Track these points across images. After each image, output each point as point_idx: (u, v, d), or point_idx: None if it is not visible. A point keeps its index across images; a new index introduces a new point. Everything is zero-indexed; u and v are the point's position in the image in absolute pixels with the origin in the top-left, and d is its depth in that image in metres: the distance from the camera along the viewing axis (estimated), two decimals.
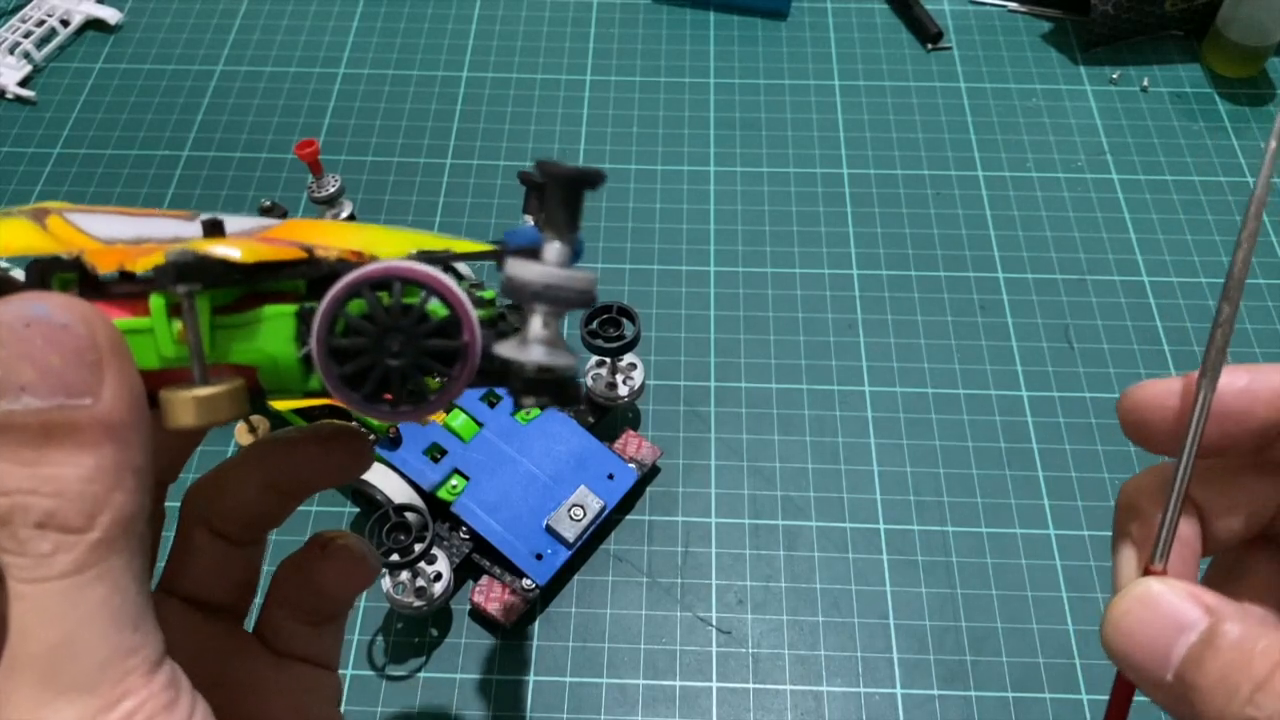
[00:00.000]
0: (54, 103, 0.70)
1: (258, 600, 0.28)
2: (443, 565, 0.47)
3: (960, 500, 0.53)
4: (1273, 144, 0.21)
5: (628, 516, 0.52)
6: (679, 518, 0.52)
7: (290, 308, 0.20)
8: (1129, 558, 0.23)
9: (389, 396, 0.20)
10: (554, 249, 0.19)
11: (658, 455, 0.53)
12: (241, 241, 0.20)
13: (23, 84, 0.71)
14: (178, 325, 0.19)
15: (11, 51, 0.72)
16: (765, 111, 0.71)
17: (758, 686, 0.47)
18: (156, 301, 0.19)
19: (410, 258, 0.21)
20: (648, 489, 0.53)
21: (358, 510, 0.52)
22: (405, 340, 0.19)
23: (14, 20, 0.73)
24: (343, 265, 0.20)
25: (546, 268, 0.19)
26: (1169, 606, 0.21)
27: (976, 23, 0.76)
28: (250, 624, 0.28)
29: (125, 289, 0.20)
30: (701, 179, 0.67)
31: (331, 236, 0.22)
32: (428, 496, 0.49)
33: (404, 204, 0.65)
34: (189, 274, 0.18)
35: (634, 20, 0.77)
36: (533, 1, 0.78)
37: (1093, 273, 0.62)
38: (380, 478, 0.48)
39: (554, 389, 0.20)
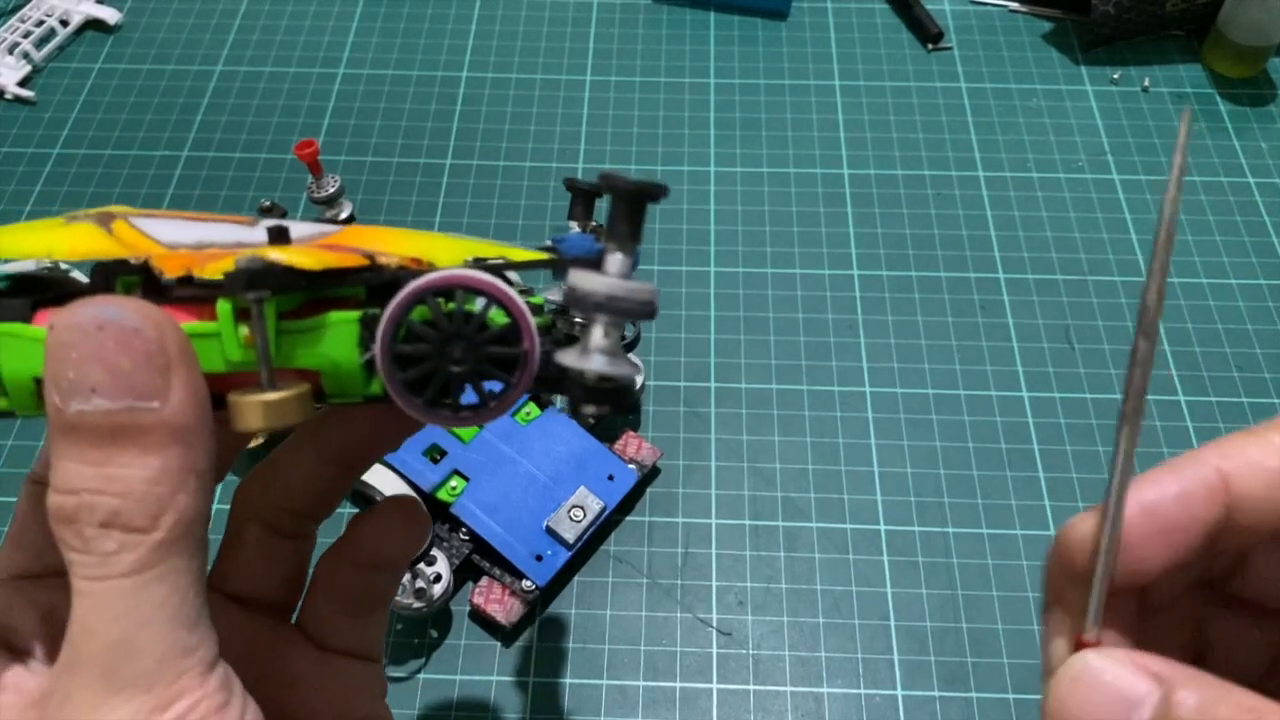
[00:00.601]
0: (53, 103, 0.70)
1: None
2: (442, 566, 0.47)
3: (961, 501, 0.52)
4: (1177, 159, 0.19)
5: (628, 518, 0.52)
6: (679, 519, 0.52)
7: (354, 314, 0.20)
8: (1060, 625, 0.21)
9: (449, 402, 0.20)
10: (616, 260, 0.20)
11: (658, 456, 0.52)
12: (308, 250, 0.20)
13: (22, 84, 0.71)
14: (244, 330, 0.19)
15: (11, 51, 0.72)
16: (765, 112, 0.71)
17: (758, 688, 0.47)
18: (224, 307, 0.20)
19: (466, 265, 0.22)
20: (648, 490, 0.53)
21: (357, 511, 0.52)
22: (467, 347, 0.20)
23: (13, 20, 0.73)
24: (404, 273, 0.20)
25: (609, 279, 0.19)
26: (1114, 682, 0.19)
27: (977, 23, 0.76)
28: (293, 619, 0.28)
29: (188, 293, 0.20)
30: (701, 179, 0.67)
31: (391, 244, 0.22)
32: (427, 497, 0.49)
33: (403, 204, 0.65)
34: (259, 281, 0.19)
35: (634, 20, 0.77)
36: (532, 1, 0.78)
37: (1094, 273, 0.62)
38: (379, 479, 0.48)
39: (613, 397, 0.20)
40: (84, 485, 0.18)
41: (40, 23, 0.73)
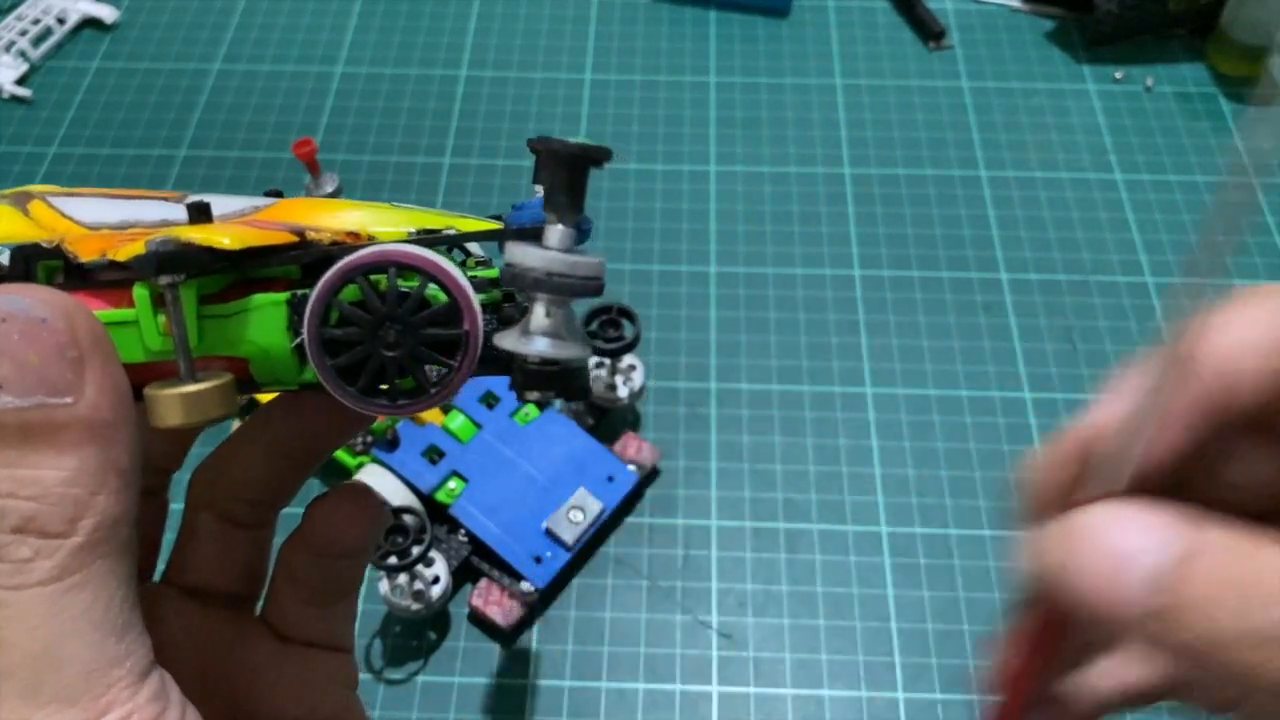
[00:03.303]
0: (50, 101, 0.70)
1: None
2: (441, 568, 0.46)
3: (963, 503, 0.52)
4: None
5: (627, 519, 0.52)
6: (679, 520, 0.52)
7: (282, 296, 0.19)
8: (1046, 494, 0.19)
9: (385, 389, 0.19)
10: (556, 232, 0.18)
11: (658, 457, 0.52)
12: (228, 227, 0.19)
13: (19, 82, 0.70)
14: (163, 318, 0.18)
15: (8, 50, 0.71)
16: (766, 110, 0.70)
17: (759, 691, 0.47)
18: (140, 292, 0.18)
19: (410, 238, 0.20)
20: (648, 491, 0.53)
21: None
22: (402, 330, 0.18)
23: (10, 19, 0.73)
24: (337, 249, 0.19)
25: (548, 252, 0.18)
26: (1126, 525, 0.16)
27: (979, 21, 0.76)
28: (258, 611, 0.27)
29: (113, 277, 0.19)
30: (702, 179, 0.66)
31: (326, 217, 0.21)
32: (426, 499, 0.48)
33: (402, 202, 0.64)
34: (171, 264, 0.18)
35: (634, 18, 0.76)
36: (532, 0, 0.78)
37: (1096, 273, 0.61)
38: (377, 480, 0.48)
39: (558, 382, 0.19)
40: None
41: (37, 21, 0.73)
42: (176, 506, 0.25)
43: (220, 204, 0.21)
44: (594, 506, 0.49)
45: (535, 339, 0.18)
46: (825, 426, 0.55)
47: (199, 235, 0.18)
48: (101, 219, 0.21)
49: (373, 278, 0.18)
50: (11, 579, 0.17)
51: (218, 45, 0.74)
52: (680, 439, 0.54)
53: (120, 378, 0.17)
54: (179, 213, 0.21)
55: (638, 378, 0.52)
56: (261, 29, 0.75)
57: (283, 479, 0.25)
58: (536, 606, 0.49)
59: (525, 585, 0.47)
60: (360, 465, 0.49)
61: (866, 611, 0.49)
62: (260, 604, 0.27)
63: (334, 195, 0.53)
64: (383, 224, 0.21)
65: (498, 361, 0.19)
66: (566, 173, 0.18)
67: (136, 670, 0.18)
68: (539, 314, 0.18)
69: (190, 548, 0.25)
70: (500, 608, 0.47)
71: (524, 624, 0.48)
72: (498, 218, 0.22)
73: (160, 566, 0.26)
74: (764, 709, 0.46)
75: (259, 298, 0.19)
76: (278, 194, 0.24)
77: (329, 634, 0.26)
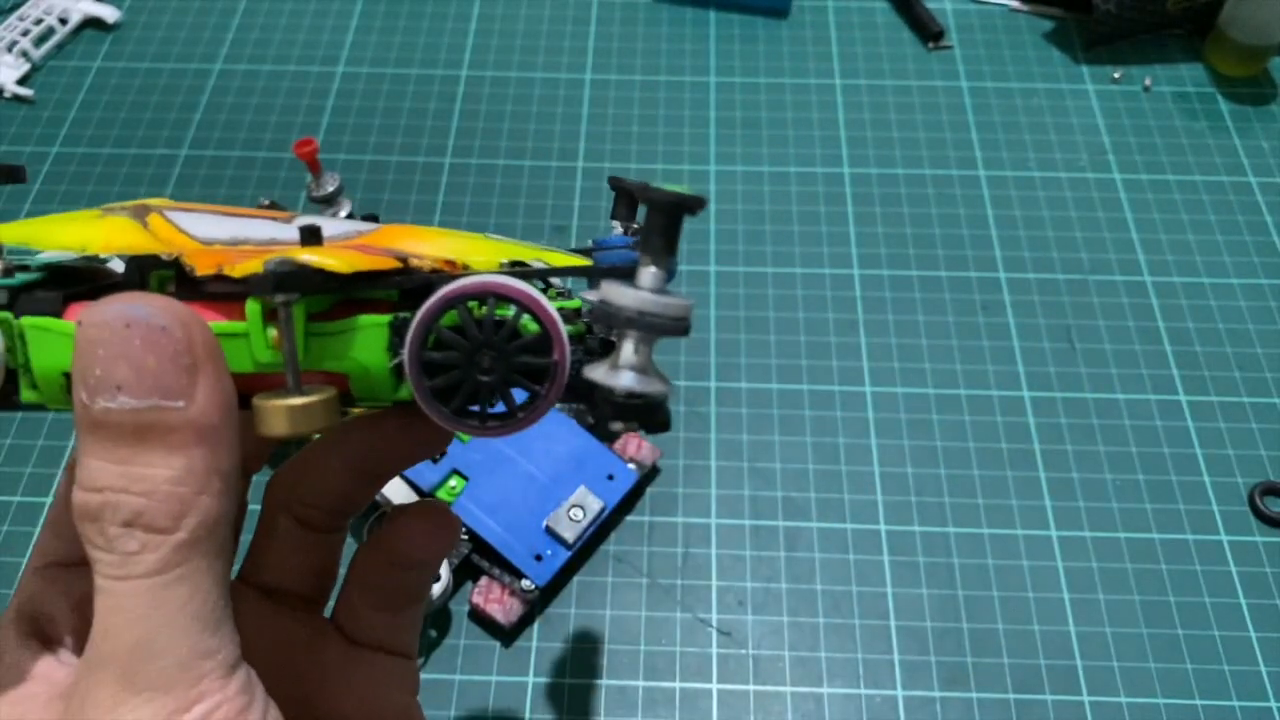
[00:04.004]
0: (52, 101, 0.70)
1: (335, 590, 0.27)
2: (441, 566, 0.47)
3: (961, 501, 0.52)
4: None
5: (627, 517, 0.52)
6: (679, 519, 0.52)
7: (384, 318, 0.20)
8: None
9: (477, 411, 0.20)
10: (650, 274, 0.19)
11: (658, 456, 0.52)
12: (338, 251, 0.20)
13: (21, 82, 0.71)
14: (273, 332, 0.19)
15: (9, 50, 0.71)
16: (766, 111, 0.70)
17: (758, 688, 0.47)
18: (253, 307, 0.19)
19: (502, 268, 0.21)
20: (648, 490, 0.53)
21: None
22: (496, 356, 0.19)
23: (12, 19, 0.73)
24: (437, 276, 0.20)
25: (641, 294, 0.19)
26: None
27: (978, 21, 0.76)
28: (328, 614, 0.28)
29: (221, 290, 0.20)
30: (702, 178, 0.66)
31: (425, 245, 0.22)
32: (427, 497, 0.49)
33: (402, 203, 0.65)
34: (287, 284, 0.19)
35: (634, 19, 0.76)
36: (532, 0, 0.78)
37: (1095, 273, 0.62)
38: (388, 485, 0.48)
39: (641, 414, 0.20)
40: (108, 483, 0.18)
41: (39, 21, 0.73)
42: (254, 507, 0.26)
43: (327, 227, 0.22)
44: (594, 505, 0.49)
45: (623, 373, 0.19)
46: (824, 425, 0.55)
47: (313, 257, 0.19)
48: (214, 235, 0.22)
49: (471, 305, 0.19)
50: (118, 570, 0.18)
51: (219, 45, 0.74)
52: (680, 437, 0.55)
53: (229, 386, 0.19)
54: (287, 232, 0.22)
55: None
56: (263, 29, 0.75)
57: (357, 489, 0.26)
58: (537, 604, 0.49)
59: (526, 583, 0.47)
60: None
61: (865, 609, 0.49)
62: (331, 607, 0.27)
63: (335, 194, 0.53)
64: (477, 254, 0.22)
65: (580, 390, 0.20)
66: (663, 220, 0.19)
67: (228, 663, 0.18)
68: (628, 350, 0.19)
69: (266, 548, 0.26)
70: (501, 605, 0.47)
71: (524, 622, 0.49)
72: (585, 251, 0.23)
73: (236, 566, 0.26)
74: (763, 706, 0.46)
75: (364, 319, 0.20)
76: (374, 219, 0.25)
77: (395, 639, 0.27)
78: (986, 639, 0.48)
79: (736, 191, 0.66)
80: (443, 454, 0.50)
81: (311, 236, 0.20)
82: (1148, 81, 0.72)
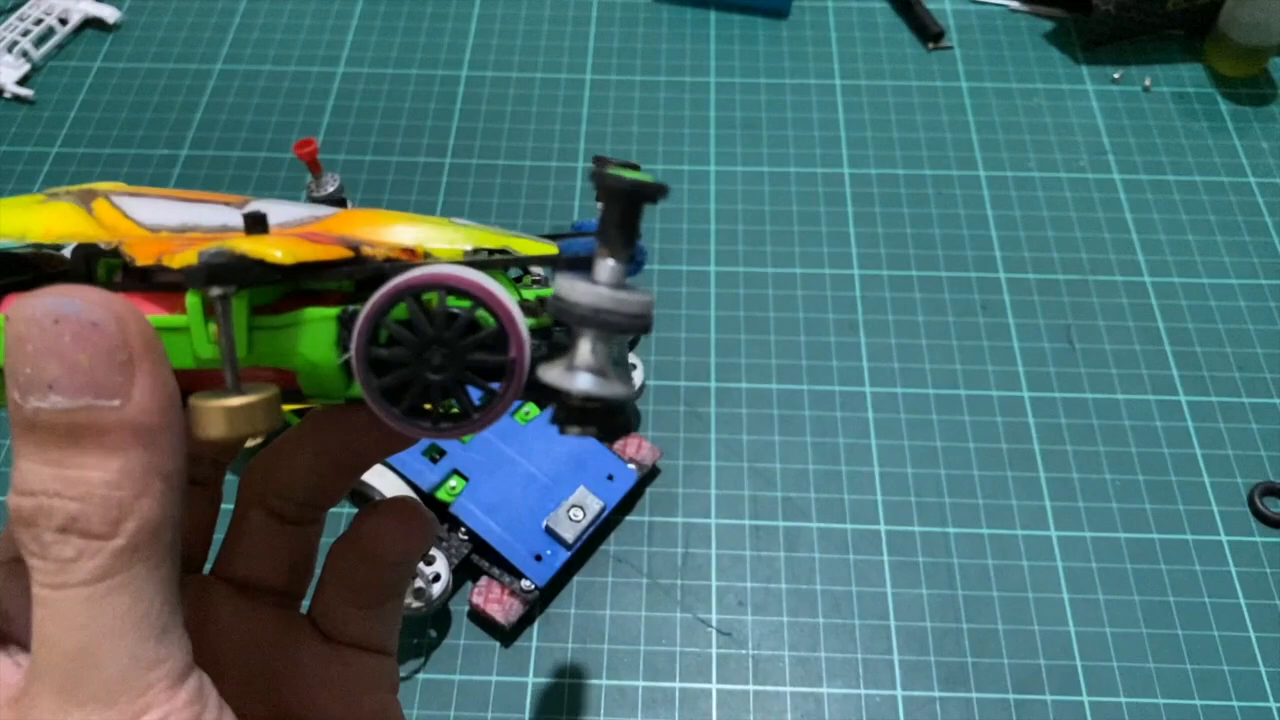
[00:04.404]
0: (52, 101, 0.70)
1: (311, 587, 0.27)
2: (441, 566, 0.47)
3: (961, 501, 0.52)
4: None
5: (627, 517, 0.52)
6: (679, 519, 0.52)
7: (332, 311, 0.19)
8: None
9: (429, 411, 0.19)
10: (606, 267, 0.18)
11: (657, 456, 0.52)
12: (282, 240, 0.18)
13: (21, 82, 0.71)
14: (214, 326, 0.18)
15: (10, 50, 0.71)
16: (766, 111, 0.70)
17: (758, 688, 0.47)
18: (193, 300, 0.18)
19: (466, 257, 0.20)
20: (647, 490, 0.53)
21: (356, 510, 0.51)
22: (448, 353, 0.18)
23: (12, 19, 0.73)
24: (391, 266, 0.19)
25: (597, 288, 0.17)
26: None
27: (978, 22, 0.76)
28: (304, 609, 0.27)
29: (170, 279, 0.19)
30: (701, 179, 0.66)
31: (384, 230, 0.21)
32: (426, 497, 0.49)
33: (403, 203, 0.65)
34: (221, 276, 0.17)
35: (634, 19, 0.76)
36: (532, 0, 0.78)
37: (1095, 273, 0.62)
38: (378, 478, 0.48)
39: (599, 419, 0.18)
40: (42, 487, 0.17)
41: (39, 21, 0.73)
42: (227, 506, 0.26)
43: (280, 212, 0.21)
44: (594, 505, 0.49)
45: (579, 375, 0.18)
46: (824, 425, 0.55)
47: (252, 247, 0.18)
48: (161, 221, 0.21)
49: (424, 298, 0.18)
50: (54, 578, 0.17)
51: (220, 46, 0.74)
52: (680, 437, 0.55)
53: (169, 383, 0.17)
54: (239, 219, 0.21)
55: (638, 377, 0.53)
56: (263, 29, 0.75)
57: (331, 482, 0.25)
58: (536, 604, 0.49)
59: (525, 583, 0.47)
60: None
61: (865, 609, 0.49)
62: (308, 603, 0.27)
63: (335, 195, 0.53)
64: (439, 241, 0.20)
65: (544, 388, 0.18)
66: (619, 208, 0.18)
67: (175, 672, 0.18)
68: (584, 350, 0.18)
69: (240, 542, 0.25)
70: (500, 605, 0.47)
71: (524, 622, 0.49)
72: (556, 237, 0.22)
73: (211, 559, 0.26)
74: (763, 706, 0.46)
75: (310, 312, 0.19)
76: (341, 203, 0.24)
77: (373, 636, 0.26)
78: (986, 639, 0.48)
79: (736, 191, 0.66)
80: (443, 454, 0.50)
81: (256, 224, 0.19)
82: (1147, 82, 0.72)
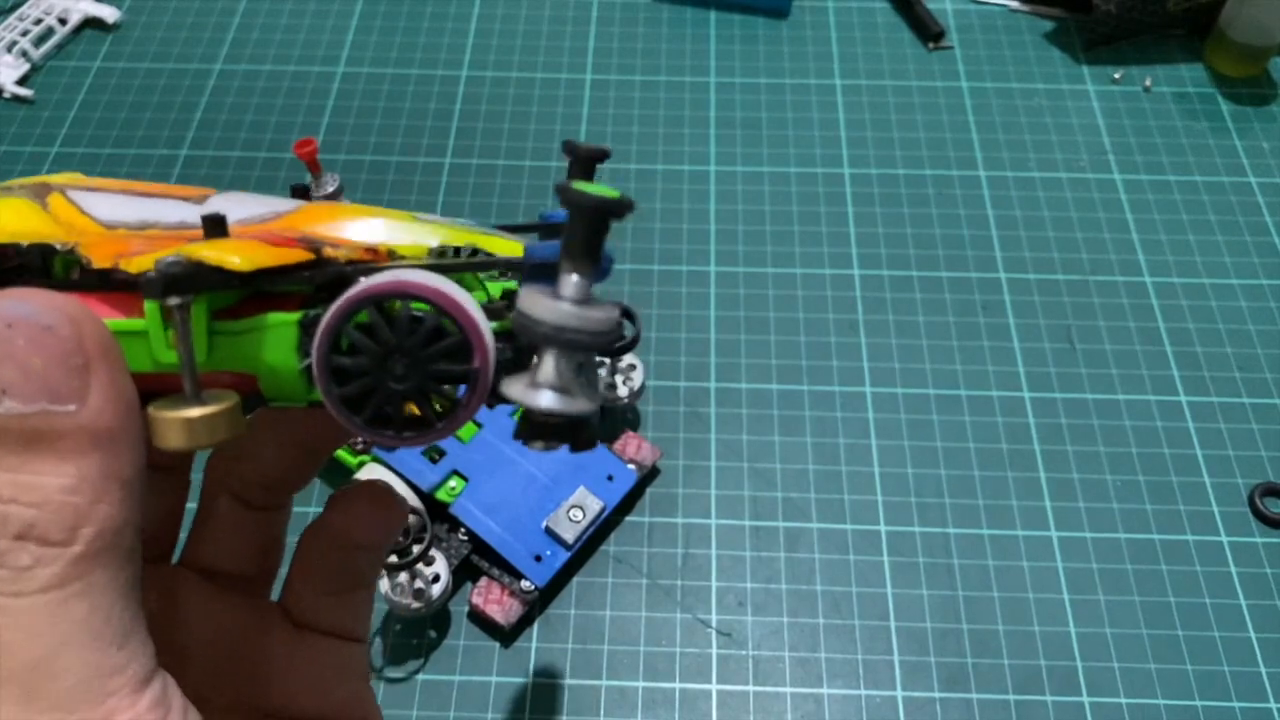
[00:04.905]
0: (52, 101, 0.70)
1: (282, 575, 0.27)
2: (441, 567, 0.47)
3: (962, 502, 0.52)
4: None
5: (627, 518, 0.52)
6: (679, 519, 0.52)
7: (293, 316, 0.18)
8: None
9: (391, 419, 0.18)
10: (570, 283, 0.17)
11: (657, 456, 0.52)
12: (241, 244, 0.18)
13: (20, 82, 0.71)
14: (172, 332, 0.18)
15: (9, 50, 0.71)
16: (766, 111, 0.70)
17: (758, 689, 0.47)
18: (150, 305, 0.18)
19: (430, 255, 0.20)
20: (647, 490, 0.53)
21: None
22: (411, 363, 0.18)
23: (12, 19, 0.73)
24: (353, 268, 0.19)
25: (559, 305, 0.17)
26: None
27: (978, 22, 0.76)
28: (275, 597, 0.27)
29: (129, 278, 0.18)
30: (701, 179, 0.66)
31: (348, 226, 0.20)
32: (426, 497, 0.49)
33: (402, 203, 0.65)
34: (179, 285, 0.17)
35: (634, 19, 0.76)
36: (532, 0, 0.78)
37: (1095, 273, 0.62)
38: (377, 478, 0.48)
39: (564, 434, 0.18)
40: None
41: (39, 21, 0.73)
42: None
43: (240, 208, 0.21)
44: (594, 505, 0.49)
45: (542, 392, 0.17)
46: (824, 425, 0.55)
47: (210, 254, 0.17)
48: (119, 218, 0.20)
49: (393, 305, 0.18)
50: (11, 585, 0.16)
51: (219, 45, 0.74)
52: (680, 438, 0.54)
53: (127, 387, 0.17)
54: (198, 215, 0.20)
55: (637, 377, 0.53)
56: (263, 29, 0.75)
57: (297, 466, 0.25)
58: (536, 605, 0.49)
59: (525, 584, 0.47)
60: (361, 464, 0.49)
61: (865, 610, 0.49)
62: (278, 592, 0.27)
63: (335, 195, 0.53)
64: (403, 239, 0.20)
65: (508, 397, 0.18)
66: (584, 225, 0.17)
67: (138, 678, 0.17)
68: (547, 366, 0.17)
69: (207, 529, 0.25)
70: (500, 606, 0.47)
71: (524, 622, 0.49)
72: (523, 228, 0.21)
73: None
74: (763, 707, 0.46)
75: (270, 317, 0.18)
76: (304, 192, 0.23)
77: (344, 623, 0.26)
78: (987, 640, 0.48)
79: (736, 191, 0.66)
80: (443, 454, 0.50)
81: (214, 227, 0.19)
82: (1148, 82, 0.72)
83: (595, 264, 0.17)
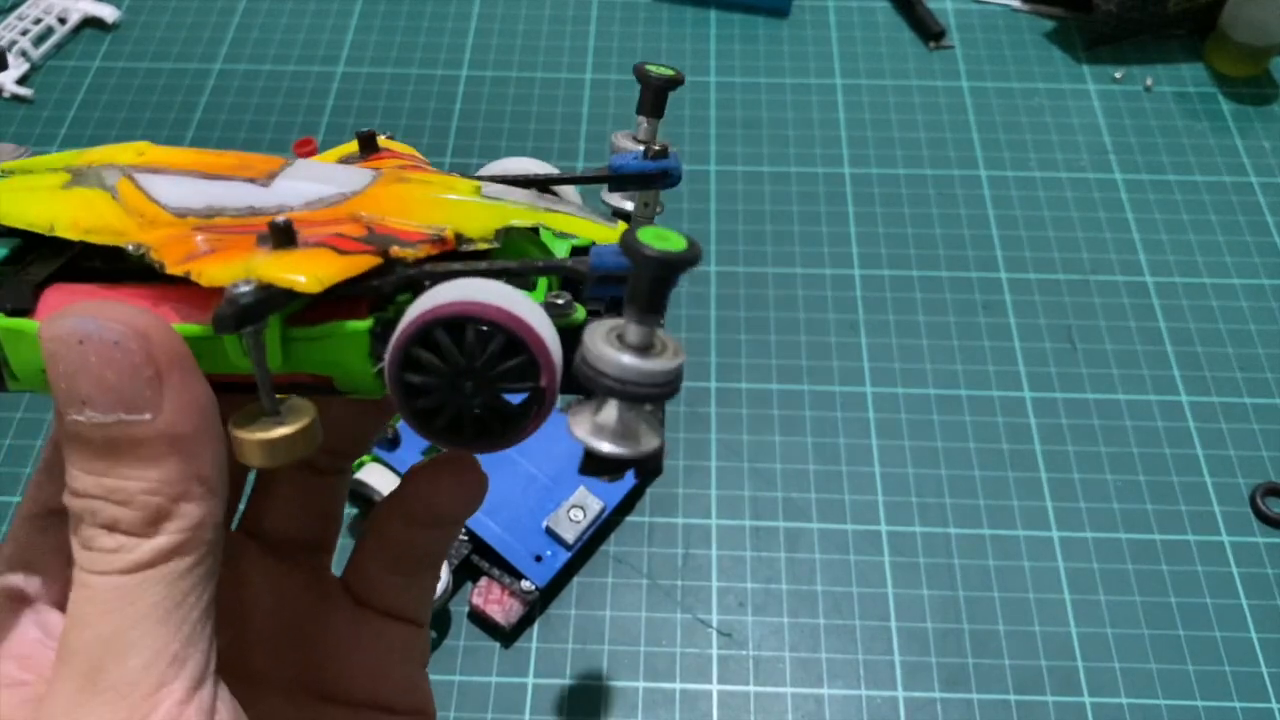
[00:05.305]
0: (51, 101, 0.70)
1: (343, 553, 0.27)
2: (441, 566, 0.47)
3: (962, 502, 0.52)
4: None
5: (628, 518, 0.52)
6: (679, 519, 0.52)
7: (364, 325, 0.19)
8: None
9: (464, 430, 0.19)
10: (635, 332, 0.17)
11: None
12: (309, 259, 0.18)
13: (20, 82, 0.70)
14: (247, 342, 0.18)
15: (9, 49, 0.71)
16: (766, 110, 0.70)
17: (758, 689, 0.47)
18: None
19: (496, 237, 0.20)
20: (648, 490, 0.53)
21: (355, 511, 0.51)
22: (479, 382, 0.18)
23: (11, 18, 0.73)
24: (420, 272, 0.19)
25: (624, 359, 0.17)
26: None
27: (979, 21, 0.76)
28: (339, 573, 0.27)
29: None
30: (702, 178, 0.66)
31: (419, 209, 0.21)
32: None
33: None
34: (251, 316, 0.17)
35: (634, 18, 0.76)
36: (532, 0, 0.78)
37: (1096, 273, 0.61)
38: (378, 478, 0.48)
39: (627, 467, 0.19)
40: (86, 492, 0.17)
41: (38, 20, 0.73)
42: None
43: (307, 186, 0.21)
44: (594, 505, 0.49)
45: (604, 440, 0.18)
46: (825, 425, 0.55)
47: (279, 275, 0.18)
48: (187, 204, 0.21)
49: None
50: (95, 565, 0.18)
51: (219, 45, 0.74)
52: (680, 438, 0.54)
53: (202, 392, 0.18)
54: (266, 198, 0.21)
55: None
56: (263, 29, 0.75)
57: (361, 427, 0.25)
58: (537, 605, 0.49)
59: (525, 584, 0.47)
60: (361, 464, 0.49)
61: (866, 610, 0.49)
62: (343, 568, 0.27)
63: None
64: (475, 219, 0.21)
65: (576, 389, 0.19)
66: (649, 278, 0.17)
67: (193, 677, 0.18)
68: (610, 414, 0.18)
69: (269, 495, 0.26)
70: (500, 606, 0.47)
71: (524, 623, 0.48)
72: (597, 177, 0.22)
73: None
74: (763, 707, 0.46)
75: (345, 325, 0.19)
76: (370, 140, 0.23)
77: (408, 605, 0.26)
78: (987, 640, 0.48)
79: (736, 191, 0.66)
80: None
81: (283, 236, 0.19)
82: (1149, 81, 0.72)
83: (659, 314, 0.17)
